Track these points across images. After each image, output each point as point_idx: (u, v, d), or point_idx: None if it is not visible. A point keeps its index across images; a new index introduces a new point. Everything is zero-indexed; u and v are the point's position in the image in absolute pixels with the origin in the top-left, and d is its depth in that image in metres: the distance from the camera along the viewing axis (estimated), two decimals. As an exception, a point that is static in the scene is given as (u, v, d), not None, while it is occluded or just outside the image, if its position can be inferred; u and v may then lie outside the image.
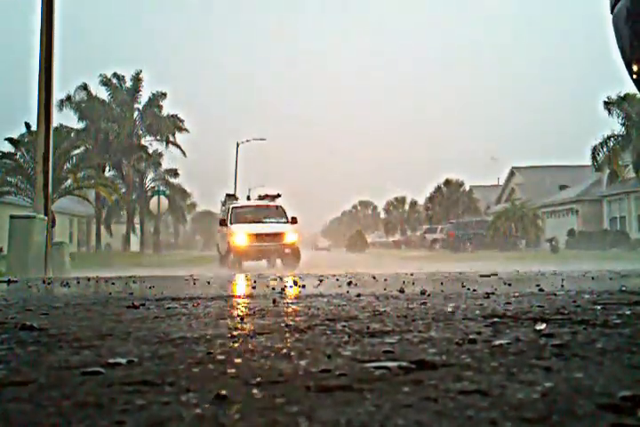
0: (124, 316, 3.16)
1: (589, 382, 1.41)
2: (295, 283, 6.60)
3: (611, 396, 1.26)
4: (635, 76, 3.30)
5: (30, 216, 13.05)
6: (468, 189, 55.24)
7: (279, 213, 22.08)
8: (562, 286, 5.28)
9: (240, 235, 20.04)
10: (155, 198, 31.31)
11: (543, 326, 2.40)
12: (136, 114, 43.11)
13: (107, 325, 2.76)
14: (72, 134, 37.33)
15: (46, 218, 13.22)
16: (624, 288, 4.67)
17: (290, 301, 4.06)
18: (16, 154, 31.52)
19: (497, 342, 2.00)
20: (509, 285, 5.64)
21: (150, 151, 42.78)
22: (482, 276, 7.49)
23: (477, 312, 3.00)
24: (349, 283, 6.24)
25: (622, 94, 30.47)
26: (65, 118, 39.25)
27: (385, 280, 6.84)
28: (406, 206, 75.10)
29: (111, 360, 1.78)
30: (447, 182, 54.52)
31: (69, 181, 32.85)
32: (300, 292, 5.16)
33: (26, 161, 30.85)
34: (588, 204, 42.63)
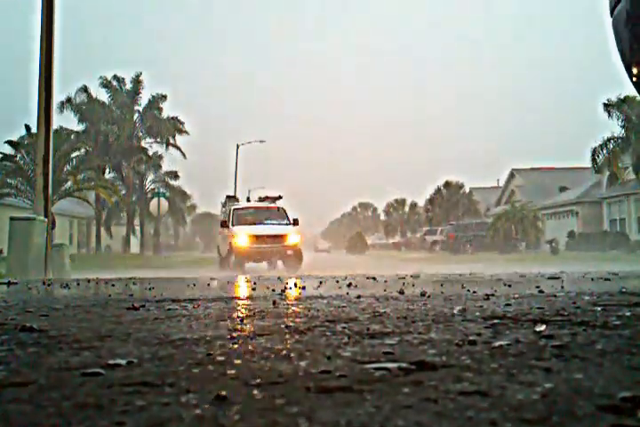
0: (124, 317, 3.16)
1: (589, 383, 1.41)
2: (295, 284, 6.59)
3: (610, 397, 1.26)
4: (634, 79, 3.30)
5: (30, 218, 13.05)
6: (467, 190, 55.28)
7: (281, 214, 21.99)
8: (562, 287, 5.28)
9: (242, 236, 19.94)
10: (155, 200, 31.33)
11: (543, 327, 2.40)
12: (136, 116, 43.16)
13: (107, 326, 2.76)
14: (72, 136, 37.36)
15: (46, 220, 13.23)
16: (624, 290, 4.67)
17: (290, 302, 4.05)
18: (16, 156, 31.55)
19: (497, 344, 2.00)
20: (509, 286, 5.64)
21: (150, 153, 42.82)
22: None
23: (477, 314, 3.00)
24: (349, 284, 6.24)
25: (622, 97, 30.50)
26: (65, 120, 39.32)
27: (385, 282, 6.84)
28: (406, 208, 75.15)
29: (111, 361, 1.78)
30: (447, 184, 54.56)
31: (69, 183, 32.88)
32: (299, 293, 5.16)
33: (26, 163, 30.89)
34: (587, 205, 42.64)
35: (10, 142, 31.52)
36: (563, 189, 49.08)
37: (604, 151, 31.70)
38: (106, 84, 42.25)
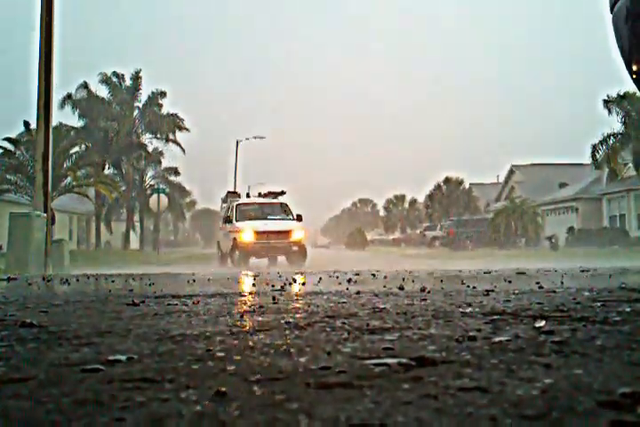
0: (124, 313, 3.16)
1: (589, 378, 1.41)
2: (295, 280, 6.60)
3: (610, 393, 1.26)
4: (634, 76, 3.30)
5: (30, 214, 13.05)
6: (467, 186, 55.25)
7: (284, 210, 21.82)
8: (561, 283, 5.29)
9: (247, 232, 19.75)
10: (154, 196, 31.32)
11: (543, 323, 2.40)
12: (136, 112, 43.09)
13: (106, 322, 2.76)
14: (72, 133, 37.30)
15: (46, 216, 13.22)
16: (623, 285, 4.67)
17: (289, 298, 4.06)
18: (15, 153, 31.53)
19: (496, 339, 2.01)
20: (509, 282, 5.64)
21: (150, 149, 42.77)
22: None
23: (477, 309, 3.00)
24: (349, 280, 6.24)
25: (622, 93, 30.46)
26: (65, 116, 39.25)
27: (385, 277, 6.84)
28: (406, 204, 75.15)
29: (111, 357, 1.78)
30: (447, 180, 54.51)
31: (69, 179, 32.86)
32: (299, 289, 5.16)
33: (25, 159, 30.86)
34: (587, 202, 42.64)
35: (8, 140, 31.48)
36: (563, 185, 49.07)
37: (604, 147, 31.67)
38: (105, 81, 42.16)
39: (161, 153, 43.36)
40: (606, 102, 31.35)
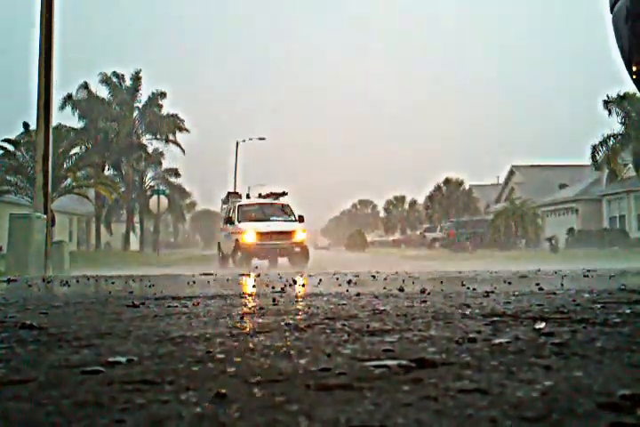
0: (124, 315, 3.16)
1: (589, 380, 1.41)
2: (295, 282, 6.60)
3: (610, 395, 1.26)
4: (634, 76, 3.30)
5: (30, 215, 13.05)
6: (467, 187, 55.25)
7: (286, 211, 21.69)
8: (561, 284, 5.29)
9: (250, 233, 19.63)
10: (154, 197, 31.34)
11: (543, 324, 2.40)
12: (136, 113, 43.09)
13: (106, 323, 2.76)
14: (72, 133, 37.29)
15: (46, 217, 13.22)
16: (623, 287, 4.67)
17: (289, 299, 4.06)
18: (15, 154, 31.53)
19: (497, 341, 2.00)
20: (509, 283, 5.64)
21: (150, 150, 42.78)
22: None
23: (477, 311, 3.00)
24: (349, 282, 6.24)
25: (622, 93, 30.46)
26: (65, 117, 39.25)
27: (384, 279, 6.84)
28: (406, 205, 75.17)
29: (111, 359, 1.78)
30: (447, 181, 54.52)
31: (69, 180, 32.85)
32: (299, 291, 5.16)
33: (25, 160, 30.87)
34: (587, 203, 42.64)
35: (8, 141, 31.48)
36: (563, 186, 49.08)
37: (604, 148, 31.67)
38: (105, 81, 42.16)
39: (161, 154, 43.37)
40: (606, 103, 31.35)
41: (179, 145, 43.50)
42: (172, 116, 43.51)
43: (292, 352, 1.88)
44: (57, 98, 39.06)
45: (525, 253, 31.62)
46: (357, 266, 13.91)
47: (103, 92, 42.10)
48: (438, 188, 54.61)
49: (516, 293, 4.24)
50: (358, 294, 4.34)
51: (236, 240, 19.88)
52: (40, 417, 1.18)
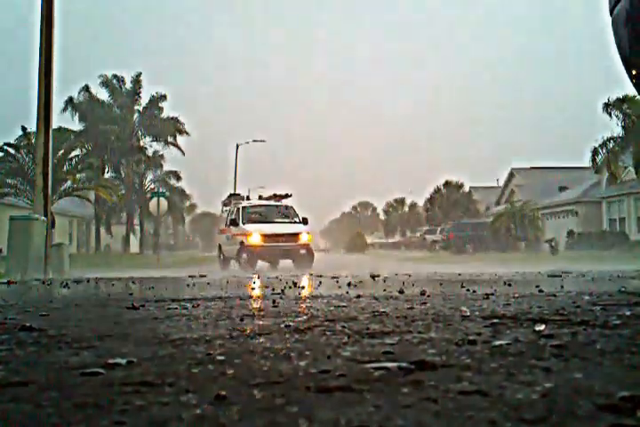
0: (124, 317, 3.16)
1: (589, 382, 1.41)
2: (295, 284, 6.59)
3: (610, 396, 1.26)
4: (634, 80, 3.30)
5: (30, 217, 13.05)
6: (467, 190, 55.27)
7: (290, 213, 21.55)
8: (561, 287, 5.28)
9: (256, 235, 19.45)
10: (154, 200, 31.30)
11: (543, 326, 2.40)
12: (136, 115, 43.13)
13: (106, 325, 2.76)
14: (72, 136, 37.31)
15: (46, 219, 13.22)
16: (623, 289, 4.67)
17: (290, 301, 4.05)
18: (15, 156, 31.54)
19: (496, 343, 2.00)
20: (509, 285, 5.64)
21: (150, 153, 42.80)
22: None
23: (477, 313, 3.00)
24: (349, 284, 6.24)
25: (622, 96, 30.49)
26: (65, 120, 39.27)
27: (384, 281, 6.84)
28: (406, 208, 75.21)
29: (111, 361, 1.78)
30: (447, 184, 54.54)
31: (69, 183, 32.86)
32: (299, 293, 5.16)
33: (25, 162, 30.88)
34: (587, 205, 42.64)
35: (8, 145, 31.49)
36: (562, 188, 49.07)
37: (604, 151, 31.69)
38: (105, 83, 42.21)
39: (161, 156, 43.40)
40: (606, 106, 31.37)
41: (179, 147, 43.55)
42: (173, 118, 43.54)
43: (291, 354, 1.88)
44: (58, 101, 39.24)
45: (526, 255, 31.61)
46: (357, 268, 13.91)
47: (103, 94, 42.19)
48: (438, 190, 54.63)
49: (516, 295, 4.24)
50: (358, 296, 4.34)
51: (242, 242, 19.70)
52: (40, 419, 1.18)
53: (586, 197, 42.83)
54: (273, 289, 5.53)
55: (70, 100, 39.76)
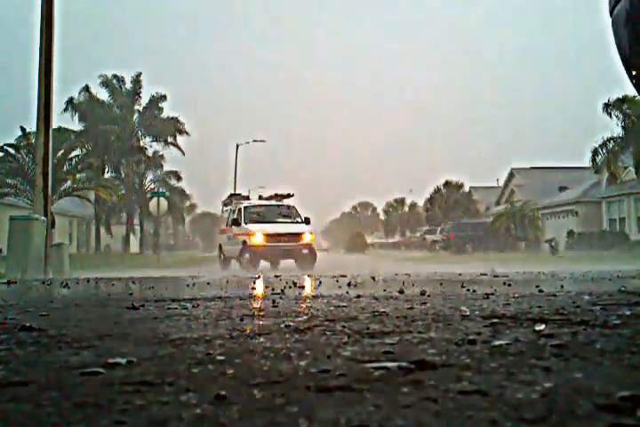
0: (124, 316, 3.16)
1: (589, 382, 1.41)
2: (295, 284, 6.59)
3: (610, 396, 1.26)
4: (634, 80, 3.30)
5: (30, 217, 13.05)
6: (467, 190, 55.28)
7: (292, 213, 21.45)
8: (561, 286, 5.28)
9: (259, 234, 19.33)
10: (154, 200, 31.29)
11: (542, 326, 2.40)
12: (136, 116, 43.13)
13: (106, 325, 2.76)
14: (72, 136, 37.31)
15: (46, 219, 13.22)
16: (623, 289, 4.67)
17: (290, 301, 4.06)
18: (15, 156, 31.56)
19: (496, 343, 2.00)
20: (509, 285, 5.64)
21: (150, 153, 42.81)
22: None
23: (477, 313, 3.00)
24: (349, 284, 6.24)
25: (622, 96, 30.50)
26: (65, 120, 39.27)
27: (384, 281, 6.84)
28: (406, 208, 75.22)
29: (111, 361, 1.78)
30: (447, 184, 54.55)
31: (69, 183, 32.87)
32: (299, 292, 5.16)
33: (25, 162, 30.89)
34: (587, 205, 42.64)
35: (8, 145, 31.50)
36: (562, 188, 49.07)
37: (604, 151, 31.71)
38: (106, 83, 42.21)
39: (161, 156, 43.40)
40: (606, 106, 31.37)
41: (179, 148, 43.55)
42: (173, 118, 43.54)
43: (291, 354, 1.88)
44: (58, 101, 39.25)
45: (526, 255, 31.61)
46: (357, 268, 13.92)
47: (103, 94, 42.20)
48: (438, 190, 54.64)
49: (516, 295, 4.24)
50: (358, 296, 4.34)
51: (244, 242, 19.61)
52: (40, 418, 1.18)
53: (586, 197, 42.83)
54: (273, 289, 5.54)
55: (70, 100, 39.77)
